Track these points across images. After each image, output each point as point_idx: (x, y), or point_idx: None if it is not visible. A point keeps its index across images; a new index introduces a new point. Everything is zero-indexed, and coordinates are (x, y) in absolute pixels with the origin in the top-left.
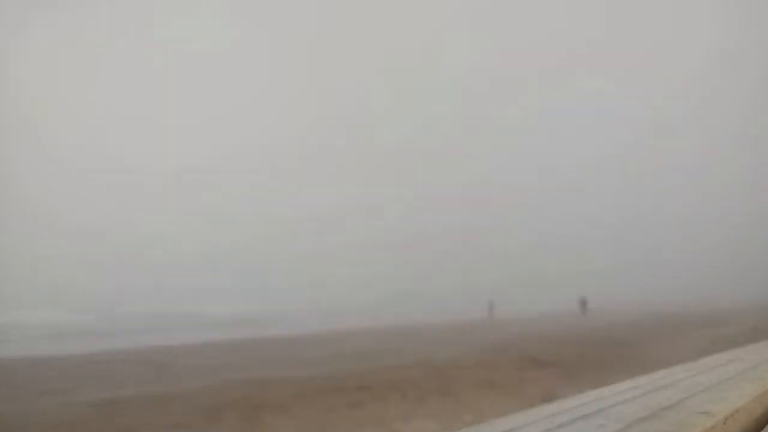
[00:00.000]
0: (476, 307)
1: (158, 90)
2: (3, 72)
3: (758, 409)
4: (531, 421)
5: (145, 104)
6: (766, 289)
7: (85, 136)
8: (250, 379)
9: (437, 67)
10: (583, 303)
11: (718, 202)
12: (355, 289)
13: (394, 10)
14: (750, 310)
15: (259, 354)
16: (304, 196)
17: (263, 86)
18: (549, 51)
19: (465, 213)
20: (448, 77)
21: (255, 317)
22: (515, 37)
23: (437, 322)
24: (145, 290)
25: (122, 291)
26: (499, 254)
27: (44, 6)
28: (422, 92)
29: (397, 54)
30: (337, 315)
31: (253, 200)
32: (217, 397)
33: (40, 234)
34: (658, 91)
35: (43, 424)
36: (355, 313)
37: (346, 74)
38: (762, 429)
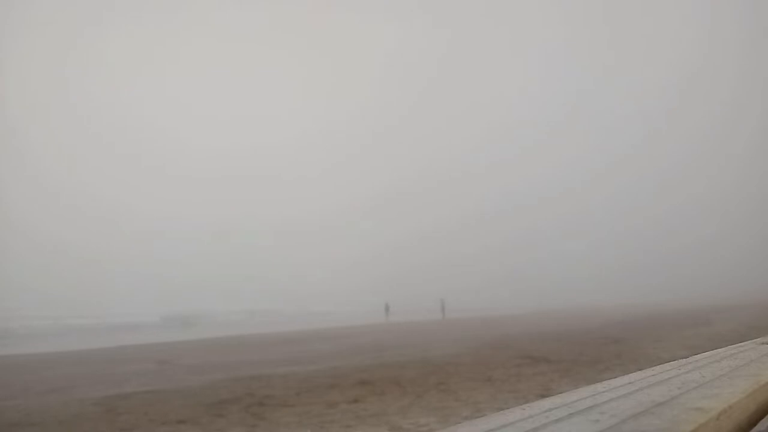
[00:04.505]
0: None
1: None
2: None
3: (751, 406)
4: (527, 415)
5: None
6: (759, 286)
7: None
8: (253, 375)
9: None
10: (443, 306)
11: (713, 202)
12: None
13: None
14: (742, 307)
15: (261, 351)
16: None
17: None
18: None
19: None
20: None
21: (255, 315)
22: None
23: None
24: (150, 288)
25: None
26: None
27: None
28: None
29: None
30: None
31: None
32: (221, 393)
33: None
34: (649, 90)
35: (48, 422)
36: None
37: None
38: (755, 425)
